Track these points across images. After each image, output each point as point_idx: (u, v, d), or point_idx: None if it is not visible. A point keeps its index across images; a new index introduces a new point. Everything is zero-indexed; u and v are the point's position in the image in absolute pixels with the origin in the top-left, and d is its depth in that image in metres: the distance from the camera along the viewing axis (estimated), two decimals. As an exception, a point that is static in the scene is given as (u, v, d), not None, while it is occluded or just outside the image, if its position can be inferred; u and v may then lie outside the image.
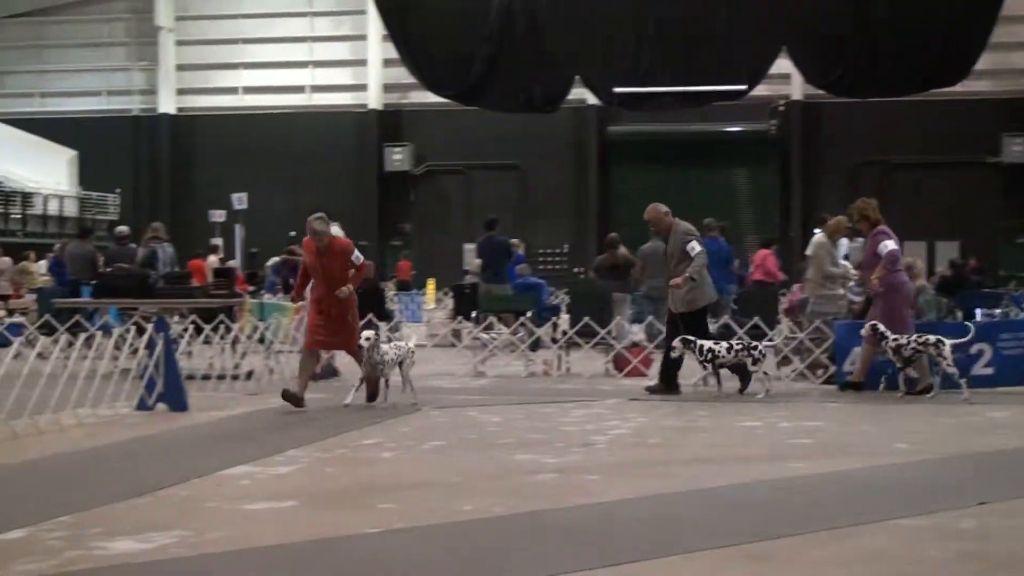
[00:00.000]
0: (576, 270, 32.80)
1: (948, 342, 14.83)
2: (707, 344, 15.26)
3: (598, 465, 10.27)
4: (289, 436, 11.96)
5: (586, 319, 19.04)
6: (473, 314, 21.41)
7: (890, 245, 15.90)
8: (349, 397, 14.09)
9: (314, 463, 10.47)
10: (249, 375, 16.90)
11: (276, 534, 7.59)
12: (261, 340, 17.91)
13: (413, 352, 15.08)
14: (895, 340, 14.90)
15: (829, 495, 8.89)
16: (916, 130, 40.03)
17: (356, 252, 14.86)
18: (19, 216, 43.77)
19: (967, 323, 16.60)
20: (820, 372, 16.97)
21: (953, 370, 14.78)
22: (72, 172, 47.41)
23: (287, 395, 13.94)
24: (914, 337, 15.04)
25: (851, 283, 20.53)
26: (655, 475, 9.76)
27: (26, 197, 44.47)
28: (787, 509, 8.31)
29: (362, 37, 45.69)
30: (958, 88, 33.41)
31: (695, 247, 15.83)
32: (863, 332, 15.34)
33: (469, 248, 34.01)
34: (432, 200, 45.85)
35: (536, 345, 19.72)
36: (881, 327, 14.97)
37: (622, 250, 23.66)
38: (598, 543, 7.23)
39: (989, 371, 15.92)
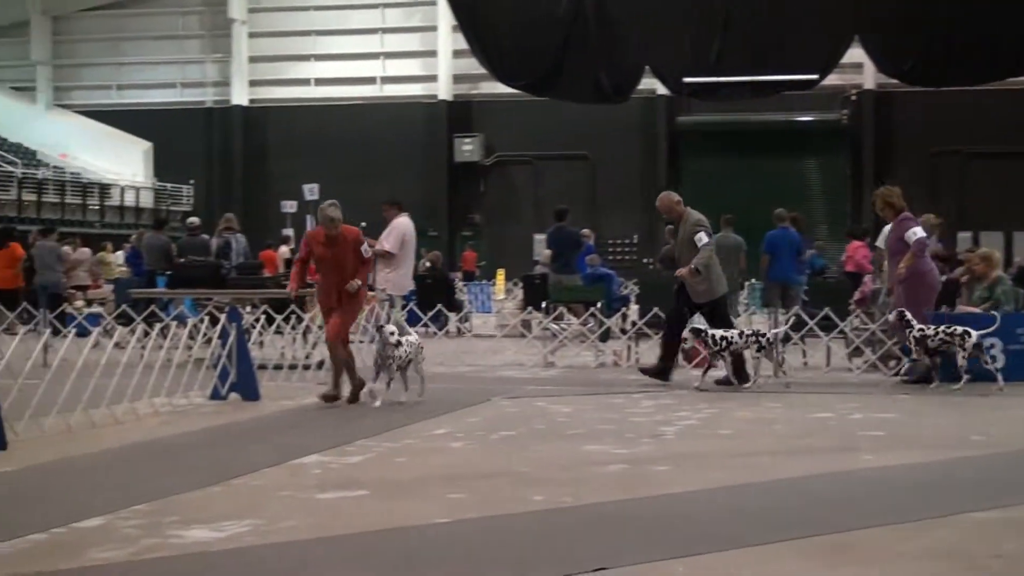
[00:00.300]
0: (646, 261, 32.72)
1: (974, 334, 14.66)
2: (719, 332, 15.16)
3: (668, 456, 10.25)
4: (360, 426, 12.03)
5: (655, 310, 18.98)
6: (543, 304, 21.41)
7: (919, 232, 15.85)
8: (378, 401, 13.42)
9: (384, 452, 10.51)
10: (320, 365, 16.95)
11: (347, 523, 7.63)
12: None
13: (422, 347, 14.29)
14: (920, 330, 14.81)
15: (901, 488, 8.82)
16: (992, 119, 39.57)
17: (365, 244, 14.24)
18: (97, 207, 44.29)
19: (993, 313, 16.37)
20: (892, 363, 16.81)
21: (982, 362, 14.83)
22: (147, 163, 47.88)
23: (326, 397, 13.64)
24: (942, 328, 14.92)
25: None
26: (726, 466, 9.72)
27: (103, 188, 44.98)
28: (860, 501, 8.24)
29: (432, 28, 45.82)
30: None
31: (703, 238, 15.76)
32: (890, 319, 15.38)
33: (539, 238, 34.06)
34: (502, 190, 45.90)
35: (606, 336, 19.69)
36: (908, 315, 14.90)
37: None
38: (670, 534, 7.22)
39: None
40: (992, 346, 15.37)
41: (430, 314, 21.74)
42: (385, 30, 47.41)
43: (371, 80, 47.50)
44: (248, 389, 13.97)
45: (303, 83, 48.06)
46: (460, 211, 45.92)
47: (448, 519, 7.73)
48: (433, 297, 23.62)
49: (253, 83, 48.33)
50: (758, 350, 15.47)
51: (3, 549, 6.92)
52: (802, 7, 29.12)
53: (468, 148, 45.73)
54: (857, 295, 20.83)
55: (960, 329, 14.79)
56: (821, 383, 16.05)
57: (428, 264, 28.73)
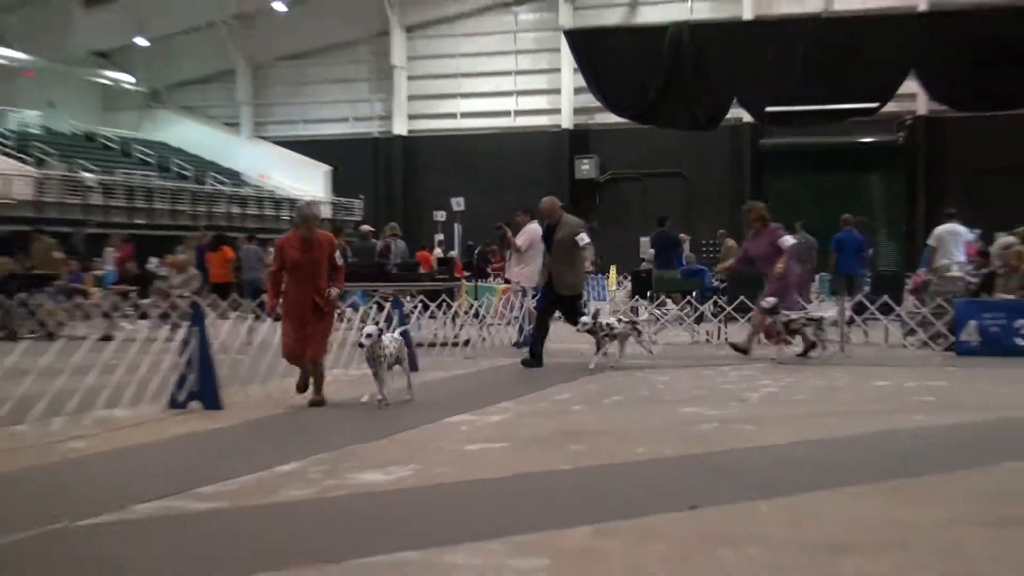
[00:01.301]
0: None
1: (827, 318, 15.67)
2: (607, 320, 14.81)
3: (752, 417, 10.14)
4: (498, 392, 12.04)
5: (741, 297, 18.86)
6: (648, 294, 21.33)
7: (790, 240, 16.00)
8: (366, 397, 11.23)
9: (519, 414, 10.55)
10: (466, 343, 17.10)
11: (489, 469, 7.71)
12: (476, 315, 18.14)
13: (404, 347, 11.65)
14: (785, 315, 15.10)
15: (947, 443, 8.68)
16: (1021, 136, 38.68)
17: (338, 251, 11.52)
18: (287, 218, 45.00)
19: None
20: (941, 341, 16.52)
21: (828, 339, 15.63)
22: (326, 183, 48.57)
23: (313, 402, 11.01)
24: (803, 314, 15.45)
25: (969, 267, 19.99)
26: (802, 425, 9.61)
27: (292, 202, 45.69)
28: (913, 453, 8.13)
29: (556, 70, 45.76)
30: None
31: (584, 238, 15.03)
32: (764, 304, 15.28)
33: (644, 240, 33.83)
34: (614, 202, 45.70)
35: (700, 319, 19.58)
36: (776, 303, 15.07)
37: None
38: (754, 480, 7.18)
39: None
40: (834, 323, 16.16)
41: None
42: (517, 72, 47.43)
43: (506, 114, 47.56)
44: (410, 362, 13.71)
45: (451, 117, 48.26)
46: (580, 218, 45.86)
47: (569, 467, 7.77)
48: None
49: (411, 117, 48.66)
50: (638, 336, 15.30)
51: (223, 487, 7.11)
52: (864, 47, 28.64)
53: (586, 167, 45.64)
54: (911, 284, 20.49)
55: (817, 315, 15.67)
56: (881, 357, 15.80)
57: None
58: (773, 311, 15.03)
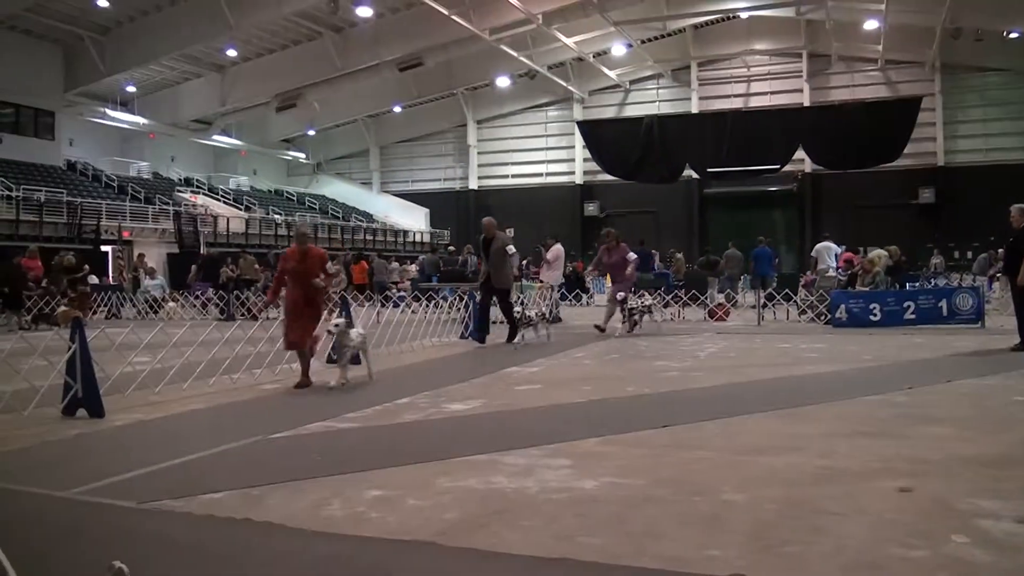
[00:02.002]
0: (688, 265, 32.17)
1: (653, 305, 15.40)
2: (529, 312, 13.03)
3: (701, 367, 10.02)
4: (535, 353, 11.93)
5: (693, 291, 18.68)
6: (632, 289, 21.12)
7: (632, 255, 15.42)
8: (333, 381, 8.82)
9: (550, 366, 10.47)
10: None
11: (530, 401, 7.67)
12: (521, 304, 18.04)
13: (366, 338, 9.49)
14: (630, 307, 14.53)
15: (828, 383, 8.53)
16: (874, 186, 38.01)
17: (330, 263, 9.37)
18: (402, 243, 45.24)
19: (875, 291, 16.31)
20: (822, 318, 16.29)
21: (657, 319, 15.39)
22: (426, 220, 48.70)
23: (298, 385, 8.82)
24: (638, 304, 14.82)
25: (839, 270, 19.74)
26: (734, 373, 9.45)
27: (405, 233, 45.91)
28: (805, 391, 8.00)
29: (572, 147, 45.55)
30: (896, 163, 31.64)
31: (511, 249, 13.35)
32: (617, 297, 14.56)
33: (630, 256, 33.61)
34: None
35: (667, 305, 19.38)
36: (625, 297, 14.59)
37: (712, 256, 23.33)
38: (704, 408, 7.09)
39: (913, 317, 15.08)
40: (654, 306, 15.51)
41: (572, 295, 21.68)
42: (547, 148, 47.18)
43: (540, 174, 47.35)
44: (479, 334, 13.46)
45: (505, 177, 48.13)
46: (588, 242, 45.51)
47: (582, 400, 7.72)
48: (573, 286, 23.55)
49: (480, 178, 48.60)
50: (551, 321, 14.41)
51: (363, 413, 7.14)
52: (770, 129, 28.45)
53: (591, 209, 45.28)
54: (803, 281, 20.23)
55: (650, 301, 15.30)
56: (784, 328, 15.59)
57: (571, 268, 28.61)
58: (624, 302, 14.41)
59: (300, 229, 9.80)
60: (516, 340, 12.83)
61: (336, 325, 8.84)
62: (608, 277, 17.80)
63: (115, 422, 6.85)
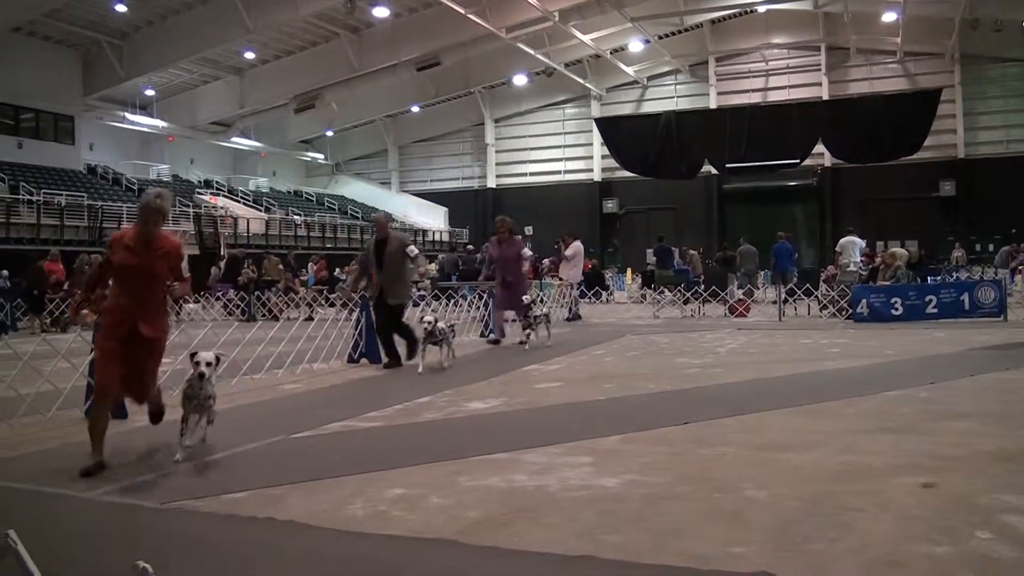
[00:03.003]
0: (707, 261, 32.00)
1: (548, 312, 13.11)
2: (441, 324, 10.03)
3: (722, 363, 9.99)
4: (555, 351, 11.93)
5: (713, 287, 18.60)
6: (651, 285, 21.12)
7: (528, 252, 13.81)
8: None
9: (570, 363, 10.48)
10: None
11: (550, 399, 7.66)
12: (540, 300, 18.06)
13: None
14: (532, 311, 12.38)
15: (849, 379, 8.46)
16: (892, 180, 37.67)
17: (185, 262, 5.63)
18: (422, 241, 45.33)
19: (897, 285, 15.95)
20: (843, 313, 16.17)
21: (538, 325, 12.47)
22: (445, 219, 48.74)
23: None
24: (543, 311, 12.88)
25: (861, 264, 19.58)
26: (755, 369, 9.41)
27: (424, 232, 45.99)
28: (827, 386, 7.94)
29: (590, 144, 45.43)
30: (917, 156, 31.27)
31: (414, 250, 10.71)
32: (523, 302, 12.55)
33: (648, 251, 33.50)
34: (628, 227, 45.11)
35: (687, 301, 19.32)
36: (531, 302, 12.62)
37: (729, 252, 23.26)
38: (724, 404, 7.05)
39: (935, 311, 14.94)
40: (548, 314, 12.91)
41: (591, 292, 21.65)
42: (565, 146, 47.06)
43: (558, 172, 47.23)
44: (497, 333, 13.43)
45: (523, 175, 48.07)
46: (607, 238, 45.38)
47: (603, 397, 7.71)
48: (593, 283, 23.49)
49: (497, 176, 48.56)
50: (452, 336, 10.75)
51: (383, 412, 7.15)
52: (789, 123, 28.30)
53: (610, 205, 45.16)
54: (824, 276, 20.10)
55: (546, 310, 13.20)
56: (805, 324, 15.49)
57: (591, 264, 28.57)
58: (529, 307, 12.44)
59: (150, 203, 5.44)
60: (524, 342, 12.18)
61: (208, 363, 5.55)
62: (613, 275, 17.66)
63: (137, 423, 6.91)
